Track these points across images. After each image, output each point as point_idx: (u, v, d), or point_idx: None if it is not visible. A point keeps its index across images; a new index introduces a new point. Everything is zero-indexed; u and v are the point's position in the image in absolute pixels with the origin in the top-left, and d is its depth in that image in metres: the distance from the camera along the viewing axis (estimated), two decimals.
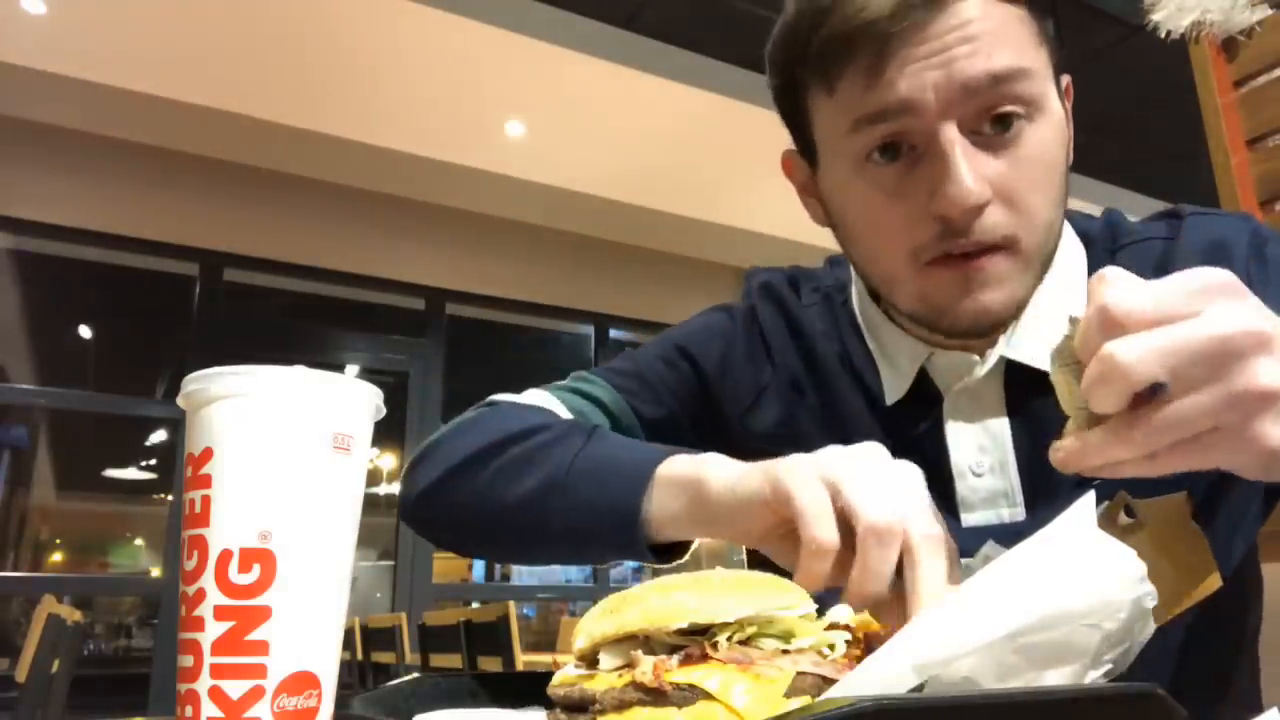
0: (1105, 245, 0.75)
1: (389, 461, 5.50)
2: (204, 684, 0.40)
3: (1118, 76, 4.46)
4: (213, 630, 0.40)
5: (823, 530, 0.49)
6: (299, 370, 0.44)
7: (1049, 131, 0.65)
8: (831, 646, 0.43)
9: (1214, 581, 0.41)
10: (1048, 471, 0.66)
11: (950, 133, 0.62)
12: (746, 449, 0.64)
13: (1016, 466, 0.70)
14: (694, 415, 0.84)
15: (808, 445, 0.58)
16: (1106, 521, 0.48)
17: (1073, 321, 0.44)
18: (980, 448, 0.71)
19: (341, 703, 0.44)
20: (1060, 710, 0.35)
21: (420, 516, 0.77)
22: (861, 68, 0.63)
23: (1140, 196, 5.59)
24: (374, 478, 5.50)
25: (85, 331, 5.30)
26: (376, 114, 4.51)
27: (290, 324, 5.56)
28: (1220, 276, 0.42)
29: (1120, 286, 0.42)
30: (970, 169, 0.61)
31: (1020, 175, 0.63)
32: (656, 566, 0.63)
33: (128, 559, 6.47)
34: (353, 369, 5.39)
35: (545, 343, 6.33)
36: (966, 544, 0.67)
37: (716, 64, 4.31)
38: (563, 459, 0.66)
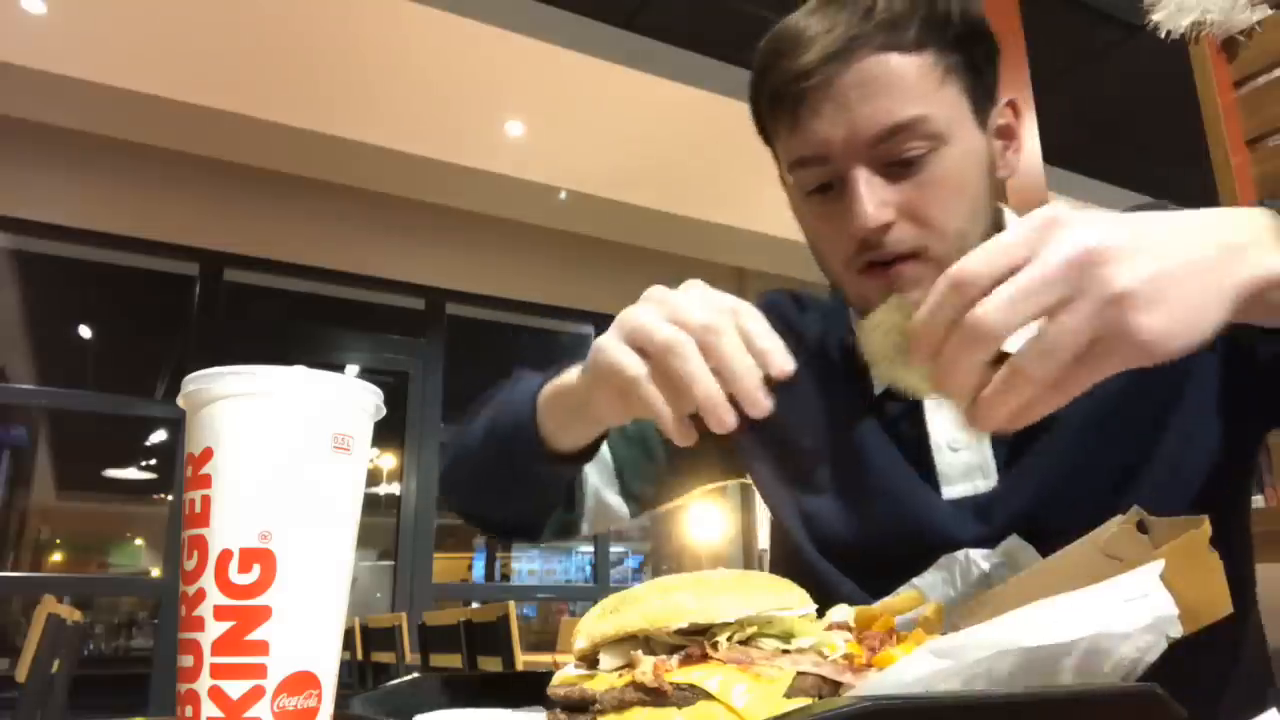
0: None
1: (389, 461, 5.50)
2: (204, 684, 0.40)
3: (1118, 76, 4.46)
4: (213, 630, 0.40)
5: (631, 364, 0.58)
6: (299, 370, 0.44)
7: (956, 159, 0.73)
8: (832, 647, 0.43)
9: (1225, 608, 0.41)
10: (1017, 443, 0.76)
11: (855, 172, 0.72)
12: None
13: (990, 440, 0.77)
14: None
15: (798, 435, 0.76)
16: (1120, 538, 0.48)
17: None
18: (957, 425, 0.78)
19: (341, 703, 0.44)
20: (1061, 710, 0.35)
21: (445, 489, 0.93)
22: (787, 120, 0.75)
23: (1140, 197, 5.59)
24: (374, 478, 5.50)
25: (85, 331, 5.30)
26: (376, 114, 4.51)
27: (290, 324, 5.56)
28: (1048, 212, 0.46)
29: (965, 261, 0.47)
30: (871, 199, 0.71)
31: (925, 196, 0.72)
32: (562, 470, 0.78)
33: (128, 559, 6.47)
34: (353, 369, 5.40)
35: (545, 343, 6.33)
36: (949, 514, 0.76)
37: (716, 64, 4.31)
38: (495, 403, 0.83)
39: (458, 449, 0.88)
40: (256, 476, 0.42)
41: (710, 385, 0.55)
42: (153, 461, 5.78)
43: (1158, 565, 0.40)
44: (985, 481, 0.76)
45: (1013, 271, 0.45)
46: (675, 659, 0.39)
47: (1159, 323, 0.44)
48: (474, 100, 4.45)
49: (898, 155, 0.71)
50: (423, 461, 5.32)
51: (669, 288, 0.60)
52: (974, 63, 0.74)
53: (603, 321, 5.95)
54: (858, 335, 0.58)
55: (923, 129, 0.71)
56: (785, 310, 0.94)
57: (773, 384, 0.56)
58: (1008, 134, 0.80)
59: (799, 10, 0.75)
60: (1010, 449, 0.76)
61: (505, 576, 6.93)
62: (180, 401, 0.45)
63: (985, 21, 0.76)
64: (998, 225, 0.79)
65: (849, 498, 0.82)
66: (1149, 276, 0.44)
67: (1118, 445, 0.72)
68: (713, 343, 0.56)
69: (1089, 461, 0.73)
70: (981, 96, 0.75)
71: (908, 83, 0.70)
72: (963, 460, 0.77)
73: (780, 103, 0.74)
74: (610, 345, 0.60)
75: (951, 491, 0.77)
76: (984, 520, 0.74)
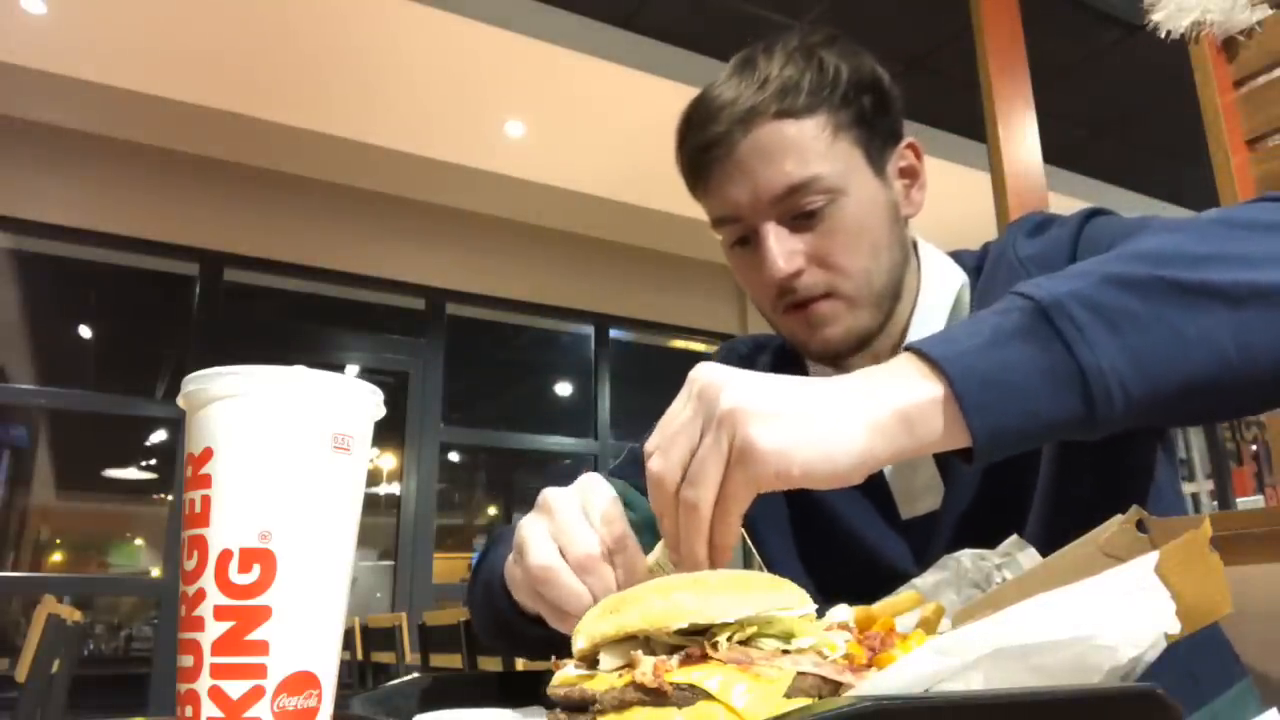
0: (986, 270, 0.87)
1: (389, 461, 5.50)
2: (204, 684, 0.40)
3: (1118, 76, 4.46)
4: (213, 630, 0.40)
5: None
6: (299, 370, 0.44)
7: (853, 207, 0.81)
8: (832, 647, 0.43)
9: (1226, 608, 0.41)
10: (956, 464, 0.74)
11: (764, 229, 0.80)
12: None
13: (935, 462, 0.81)
14: None
15: None
16: (1119, 537, 0.49)
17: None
18: None
19: (341, 703, 0.44)
20: (1059, 710, 0.35)
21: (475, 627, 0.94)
22: (701, 184, 0.85)
23: (1140, 196, 5.59)
24: (374, 478, 5.50)
25: (85, 331, 5.30)
26: (376, 114, 4.51)
27: (290, 324, 5.56)
28: (692, 372, 0.53)
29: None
30: (780, 252, 0.80)
31: (829, 244, 0.80)
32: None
33: (128, 559, 6.47)
34: (353, 369, 5.39)
35: (545, 343, 6.33)
36: (894, 545, 0.81)
37: (716, 64, 4.29)
38: (489, 563, 0.82)
39: (471, 600, 0.88)
40: (256, 476, 0.42)
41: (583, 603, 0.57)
42: (153, 461, 5.77)
43: (1152, 558, 0.40)
44: (933, 500, 0.81)
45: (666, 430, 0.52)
46: (675, 659, 0.39)
47: (777, 438, 0.48)
48: (474, 100, 4.45)
49: (799, 209, 0.79)
50: (423, 461, 5.32)
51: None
52: (864, 116, 0.82)
53: (603, 322, 5.93)
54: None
55: (818, 186, 0.78)
56: (742, 356, 1.03)
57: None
58: (910, 174, 0.88)
59: (719, 78, 0.84)
60: (945, 470, 0.80)
61: None
62: (180, 401, 0.45)
63: (874, 74, 0.83)
64: (912, 258, 0.87)
65: (806, 533, 0.87)
66: (758, 398, 0.49)
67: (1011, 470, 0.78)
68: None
69: (995, 484, 0.77)
70: (875, 146, 0.83)
71: (801, 146, 0.79)
72: (913, 483, 0.81)
73: (694, 171, 0.85)
74: (512, 559, 0.63)
75: (907, 512, 0.82)
76: (927, 541, 0.78)
